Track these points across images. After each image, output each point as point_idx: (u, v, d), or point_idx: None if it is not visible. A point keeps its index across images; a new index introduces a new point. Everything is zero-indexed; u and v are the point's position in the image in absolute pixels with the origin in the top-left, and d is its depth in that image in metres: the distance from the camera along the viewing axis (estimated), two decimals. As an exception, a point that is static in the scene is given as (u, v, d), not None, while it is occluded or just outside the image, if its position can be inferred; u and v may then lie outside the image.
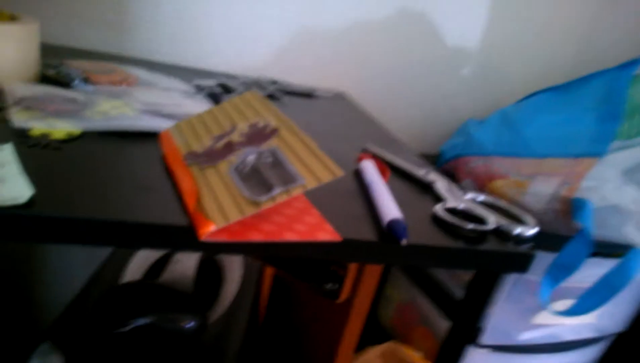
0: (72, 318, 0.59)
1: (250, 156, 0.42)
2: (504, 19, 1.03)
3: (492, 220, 0.45)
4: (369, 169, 0.51)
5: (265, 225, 0.39)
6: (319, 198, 0.45)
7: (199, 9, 0.85)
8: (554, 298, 0.72)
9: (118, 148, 0.47)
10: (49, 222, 0.34)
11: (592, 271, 0.68)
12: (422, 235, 0.43)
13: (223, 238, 0.36)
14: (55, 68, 0.63)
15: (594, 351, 0.93)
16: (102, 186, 0.39)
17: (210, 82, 0.76)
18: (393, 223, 0.40)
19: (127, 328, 0.55)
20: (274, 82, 0.86)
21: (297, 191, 0.37)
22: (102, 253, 0.74)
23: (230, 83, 0.78)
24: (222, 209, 0.37)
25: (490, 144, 0.85)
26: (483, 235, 0.45)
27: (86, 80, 0.62)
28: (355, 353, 0.76)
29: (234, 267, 0.72)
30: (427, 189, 0.53)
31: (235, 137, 0.46)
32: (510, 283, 0.75)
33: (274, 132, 0.44)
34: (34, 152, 0.42)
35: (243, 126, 0.47)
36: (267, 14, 0.89)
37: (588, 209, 0.66)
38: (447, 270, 0.87)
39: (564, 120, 0.80)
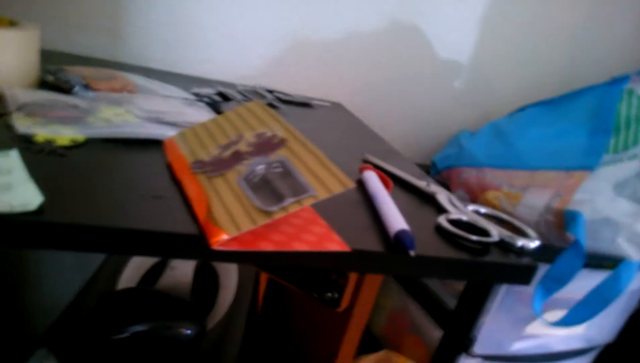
0: (68, 325, 0.59)
1: (259, 166, 0.42)
2: (495, 35, 1.05)
3: (496, 232, 0.46)
4: (372, 179, 0.51)
5: (275, 235, 0.39)
6: (323, 208, 0.45)
7: (194, 17, 0.86)
8: (546, 309, 0.74)
9: (123, 155, 0.47)
10: (60, 229, 0.33)
11: (584, 282, 0.69)
12: (427, 246, 0.44)
13: (234, 247, 0.36)
14: (54, 74, 0.63)
15: (583, 361, 0.95)
16: (109, 193, 0.39)
17: (208, 91, 0.76)
18: (401, 234, 0.41)
19: (125, 335, 0.55)
20: (271, 91, 0.86)
21: (308, 202, 0.37)
22: (97, 258, 0.73)
23: (228, 91, 0.78)
24: (233, 218, 0.37)
25: (482, 156, 0.87)
26: (487, 247, 0.46)
27: (86, 86, 0.61)
28: (349, 362, 0.76)
29: (229, 274, 0.72)
30: (428, 201, 0.54)
31: (243, 146, 0.46)
32: (502, 293, 0.76)
33: (282, 142, 0.44)
34: (39, 158, 0.42)
35: (249, 136, 0.47)
36: (261, 24, 0.89)
37: (581, 222, 0.67)
38: (439, 278, 0.88)
39: (556, 133, 0.81)
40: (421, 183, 0.56)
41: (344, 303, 0.55)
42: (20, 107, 0.50)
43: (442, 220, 0.48)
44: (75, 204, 0.36)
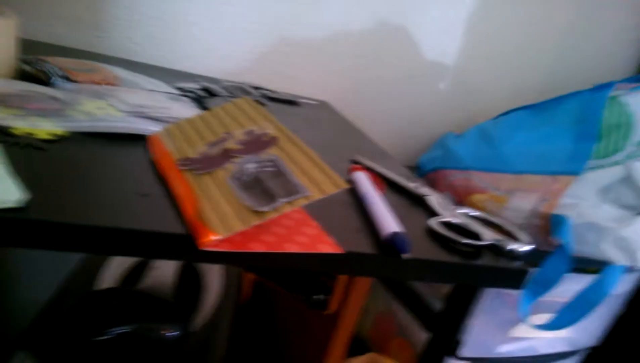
0: (47, 326, 0.56)
1: (249, 164, 0.41)
2: (481, 38, 1.06)
3: (488, 236, 0.45)
4: (363, 180, 0.50)
5: (266, 236, 0.38)
6: (314, 209, 0.44)
7: (180, 11, 0.84)
8: (532, 312, 0.74)
9: (105, 150, 0.45)
10: (40, 227, 0.32)
11: (569, 286, 0.70)
12: (418, 248, 0.43)
13: (223, 248, 0.35)
14: (31, 64, 0.60)
15: (568, 365, 0.95)
16: (92, 190, 0.37)
17: (193, 86, 0.74)
18: (395, 236, 0.40)
19: (106, 336, 0.53)
20: (257, 88, 0.85)
21: (300, 203, 0.36)
22: (76, 256, 0.71)
23: (213, 87, 0.76)
24: (222, 218, 0.36)
25: (469, 159, 0.87)
26: (478, 250, 0.45)
27: (65, 77, 0.59)
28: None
29: (213, 274, 0.70)
30: (418, 202, 0.53)
31: (232, 144, 0.44)
32: (488, 296, 0.76)
33: (272, 140, 0.43)
34: (16, 152, 0.40)
35: (238, 133, 0.46)
36: (248, 20, 0.88)
37: (567, 226, 0.67)
38: (430, 282, 0.88)
39: (541, 138, 0.81)
40: (411, 185, 0.55)
41: (333, 306, 0.53)
42: (-3, 99, 0.48)
43: (433, 223, 0.47)
44: (57, 201, 0.34)
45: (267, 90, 0.85)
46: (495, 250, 0.46)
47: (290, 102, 0.85)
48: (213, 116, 0.50)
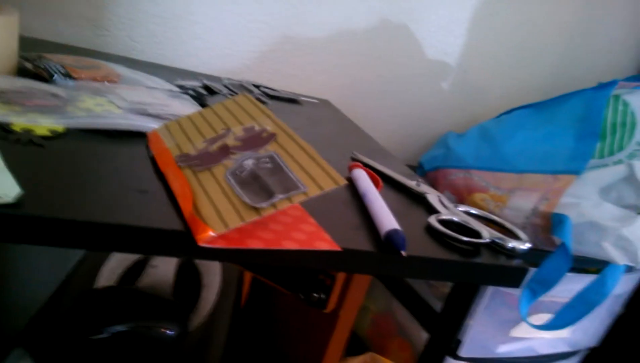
0: (45, 324, 0.56)
1: (247, 160, 0.41)
2: (484, 37, 1.05)
3: (487, 234, 0.45)
4: (362, 178, 0.50)
5: (263, 233, 0.38)
6: (312, 206, 0.44)
7: (181, 9, 0.84)
8: (531, 312, 0.73)
9: (104, 147, 0.45)
10: (38, 223, 0.31)
11: (569, 286, 0.69)
12: (418, 246, 0.43)
13: (221, 245, 0.35)
14: (32, 61, 0.60)
15: (567, 365, 0.95)
16: (90, 186, 0.37)
17: (193, 83, 0.74)
18: (393, 234, 0.39)
19: (104, 335, 0.53)
20: (258, 86, 0.84)
21: (298, 199, 0.36)
22: (74, 255, 0.71)
23: (214, 85, 0.76)
24: (220, 214, 0.36)
25: (470, 158, 0.86)
26: (477, 248, 0.45)
27: (67, 75, 0.59)
28: (333, 364, 0.75)
29: (212, 273, 0.70)
30: (418, 200, 0.53)
31: (230, 140, 0.44)
32: (488, 296, 0.76)
33: (271, 137, 0.43)
34: (16, 148, 0.40)
35: (237, 130, 0.46)
36: (250, 18, 0.88)
37: (568, 225, 0.67)
38: (425, 281, 0.87)
39: (543, 137, 0.81)
40: (411, 183, 0.55)
41: (331, 304, 0.53)
42: (-3, 95, 0.48)
43: (432, 220, 0.47)
44: (55, 197, 0.34)
45: (269, 88, 0.85)
46: (495, 248, 0.46)
47: (292, 100, 0.85)
48: (213, 112, 0.50)
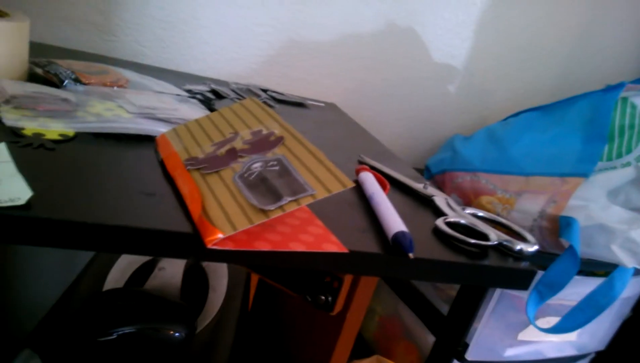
0: (53, 325, 0.57)
1: (255, 163, 0.41)
2: (491, 40, 1.05)
3: (495, 236, 0.45)
4: (369, 181, 0.50)
5: (271, 235, 0.38)
6: (319, 209, 0.44)
7: (188, 14, 0.84)
8: (538, 315, 0.73)
9: (114, 151, 0.46)
10: (49, 225, 0.32)
11: (577, 289, 0.69)
12: (425, 248, 0.43)
13: (229, 247, 0.35)
14: (43, 67, 0.61)
15: (574, 369, 0.95)
16: (100, 189, 0.38)
17: (201, 88, 0.75)
18: (400, 236, 0.40)
19: (112, 336, 0.53)
20: (265, 90, 0.85)
21: (306, 201, 0.36)
22: (83, 259, 0.72)
23: (221, 89, 0.77)
24: (228, 216, 0.36)
25: (477, 161, 0.86)
26: (485, 251, 0.45)
27: (76, 80, 0.60)
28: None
29: (219, 275, 0.70)
30: (425, 203, 0.53)
31: (238, 144, 0.45)
32: (495, 299, 0.76)
33: (279, 140, 0.43)
34: (27, 152, 0.41)
35: (245, 133, 0.46)
36: (256, 23, 0.88)
37: (576, 228, 0.67)
38: (431, 283, 0.87)
39: (550, 139, 0.81)
40: (418, 186, 0.55)
41: (338, 306, 0.53)
42: (8, 100, 0.48)
43: (440, 223, 0.47)
44: (66, 200, 0.35)
45: (276, 92, 0.86)
46: (503, 250, 0.46)
47: (299, 104, 0.86)
48: (221, 116, 0.51)
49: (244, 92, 0.79)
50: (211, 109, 0.66)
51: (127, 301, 0.58)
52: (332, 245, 0.39)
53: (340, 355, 0.59)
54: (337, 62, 0.96)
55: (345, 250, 0.39)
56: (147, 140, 0.50)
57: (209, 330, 0.61)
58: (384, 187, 0.50)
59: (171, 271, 0.67)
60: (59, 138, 0.45)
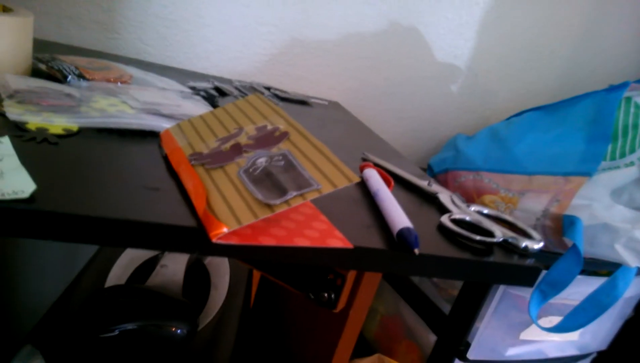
0: (55, 322, 0.57)
1: (260, 158, 0.41)
2: (493, 39, 1.05)
3: (500, 233, 0.45)
4: (374, 177, 0.50)
5: (276, 230, 0.38)
6: (323, 204, 0.44)
7: (191, 12, 0.84)
8: (541, 314, 0.73)
9: (118, 146, 0.46)
10: (53, 218, 0.32)
11: (579, 288, 0.69)
12: (430, 245, 0.43)
13: (233, 241, 0.35)
14: (46, 62, 0.61)
15: (576, 368, 0.94)
16: (104, 183, 0.37)
17: (205, 85, 0.75)
18: (405, 232, 0.39)
19: (114, 333, 0.53)
20: (268, 88, 0.85)
21: (312, 196, 0.36)
22: (84, 255, 0.72)
23: (225, 86, 0.77)
24: (233, 211, 0.36)
25: (479, 160, 0.86)
26: (490, 247, 0.45)
27: (80, 76, 0.60)
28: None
29: (221, 272, 0.70)
30: (430, 200, 0.53)
31: (243, 139, 0.45)
32: (497, 298, 0.76)
33: (284, 135, 0.43)
34: (31, 146, 0.41)
35: (250, 129, 0.46)
36: (260, 22, 0.88)
37: (579, 227, 0.67)
38: (433, 283, 0.87)
39: (554, 139, 0.81)
40: (423, 183, 0.55)
41: (341, 304, 0.53)
42: (12, 95, 0.48)
43: (445, 220, 0.47)
44: (69, 194, 0.34)
45: (279, 90, 0.85)
46: (508, 247, 0.46)
47: (302, 102, 0.86)
48: (225, 112, 0.51)
49: (247, 90, 0.79)
50: (214, 106, 0.65)
51: (129, 298, 0.58)
52: (337, 241, 0.39)
53: (342, 353, 0.59)
54: (339, 62, 0.96)
55: (350, 246, 0.39)
56: (151, 136, 0.50)
57: (211, 328, 0.61)
58: (388, 184, 0.50)
59: (173, 268, 0.67)
60: (63, 132, 0.45)
